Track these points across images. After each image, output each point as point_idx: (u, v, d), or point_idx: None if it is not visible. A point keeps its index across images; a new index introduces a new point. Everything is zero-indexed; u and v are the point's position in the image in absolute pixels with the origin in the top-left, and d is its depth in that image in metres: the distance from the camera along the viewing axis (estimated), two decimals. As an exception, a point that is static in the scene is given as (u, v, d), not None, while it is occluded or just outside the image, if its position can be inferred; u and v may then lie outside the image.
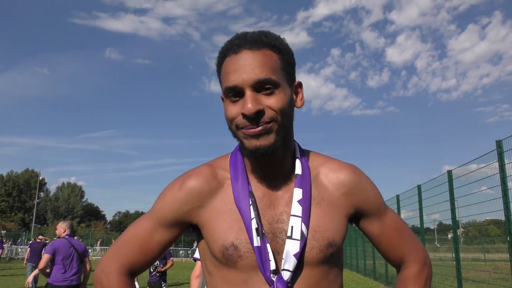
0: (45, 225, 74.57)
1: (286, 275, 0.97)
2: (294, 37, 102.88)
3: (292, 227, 1.00)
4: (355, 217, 1.14)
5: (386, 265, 14.97)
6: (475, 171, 7.98)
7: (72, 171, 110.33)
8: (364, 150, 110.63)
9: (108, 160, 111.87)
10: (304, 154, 1.13)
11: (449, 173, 8.95)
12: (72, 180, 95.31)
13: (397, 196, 13.74)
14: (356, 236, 21.03)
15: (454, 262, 8.77)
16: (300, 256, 0.98)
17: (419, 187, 11.22)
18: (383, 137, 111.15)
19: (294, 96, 1.07)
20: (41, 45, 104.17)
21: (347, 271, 22.01)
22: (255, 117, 0.96)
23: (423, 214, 11.07)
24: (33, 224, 57.87)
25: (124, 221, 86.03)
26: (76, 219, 76.51)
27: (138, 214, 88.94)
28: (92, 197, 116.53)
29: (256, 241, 0.98)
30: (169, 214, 1.09)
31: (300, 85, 1.10)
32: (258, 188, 1.06)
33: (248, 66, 0.97)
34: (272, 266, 0.97)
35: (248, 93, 0.97)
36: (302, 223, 1.00)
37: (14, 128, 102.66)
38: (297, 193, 1.03)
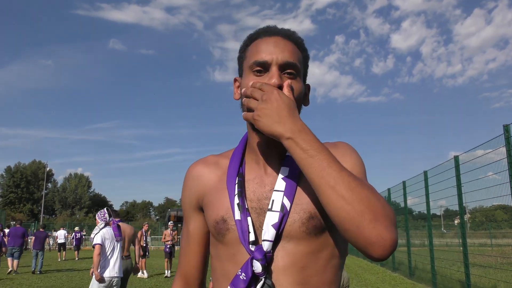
0: (53, 216, 75.50)
1: (265, 245, 0.99)
2: (298, 25, 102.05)
3: (273, 200, 1.03)
4: None
5: (392, 251, 14.98)
6: (481, 157, 7.96)
7: (78, 162, 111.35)
8: (370, 137, 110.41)
9: (113, 150, 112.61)
10: None
11: (456, 158, 8.92)
12: (79, 170, 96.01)
13: (404, 183, 13.73)
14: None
15: (461, 248, 8.78)
16: (280, 228, 1.00)
17: (425, 173, 11.20)
18: (389, 124, 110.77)
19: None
20: (45, 37, 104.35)
21: (354, 257, 22.12)
22: None
23: (430, 200, 11.07)
24: (41, 215, 58.53)
25: (131, 210, 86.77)
26: (84, 209, 77.29)
27: (145, 204, 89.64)
28: (99, 187, 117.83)
29: (237, 215, 1.03)
30: (188, 202, 1.20)
31: (309, 88, 1.19)
32: (252, 170, 1.12)
33: (280, 48, 1.06)
34: (252, 237, 1.00)
35: (275, 69, 1.04)
36: (284, 197, 1.03)
37: (20, 120, 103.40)
38: (283, 171, 1.07)
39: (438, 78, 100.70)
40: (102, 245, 5.29)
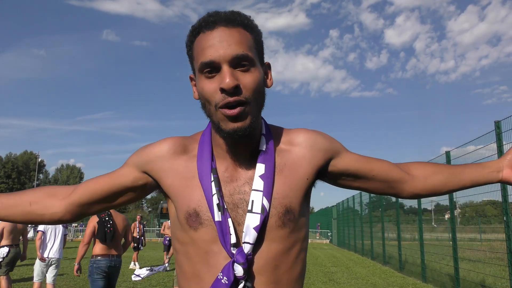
0: (45, 207, 74.76)
1: (246, 248, 0.99)
2: (293, 19, 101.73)
3: (252, 201, 1.01)
4: (328, 168, 1.15)
5: (383, 245, 15.14)
6: (473, 152, 8.02)
7: (70, 153, 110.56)
8: (363, 132, 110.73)
9: (106, 142, 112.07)
10: (270, 129, 1.14)
11: (447, 154, 8.98)
12: (71, 162, 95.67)
13: (395, 177, 13.77)
14: (354, 216, 21.21)
15: (451, 242, 8.87)
16: (260, 230, 1.00)
17: (417, 168, 11.25)
18: (382, 119, 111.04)
19: (265, 76, 1.09)
20: (38, 27, 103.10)
21: (345, 251, 22.27)
22: (233, 92, 0.96)
23: (421, 195, 11.11)
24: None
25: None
26: (76, 201, 76.82)
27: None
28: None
29: (218, 216, 1.00)
30: (137, 161, 1.15)
31: (269, 66, 1.13)
32: (222, 164, 1.08)
33: (225, 42, 0.98)
34: (233, 239, 0.99)
35: (226, 68, 0.97)
36: (264, 197, 1.01)
37: (12, 110, 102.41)
38: (260, 169, 1.05)
39: (431, 74, 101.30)
40: (44, 232, 6.64)
